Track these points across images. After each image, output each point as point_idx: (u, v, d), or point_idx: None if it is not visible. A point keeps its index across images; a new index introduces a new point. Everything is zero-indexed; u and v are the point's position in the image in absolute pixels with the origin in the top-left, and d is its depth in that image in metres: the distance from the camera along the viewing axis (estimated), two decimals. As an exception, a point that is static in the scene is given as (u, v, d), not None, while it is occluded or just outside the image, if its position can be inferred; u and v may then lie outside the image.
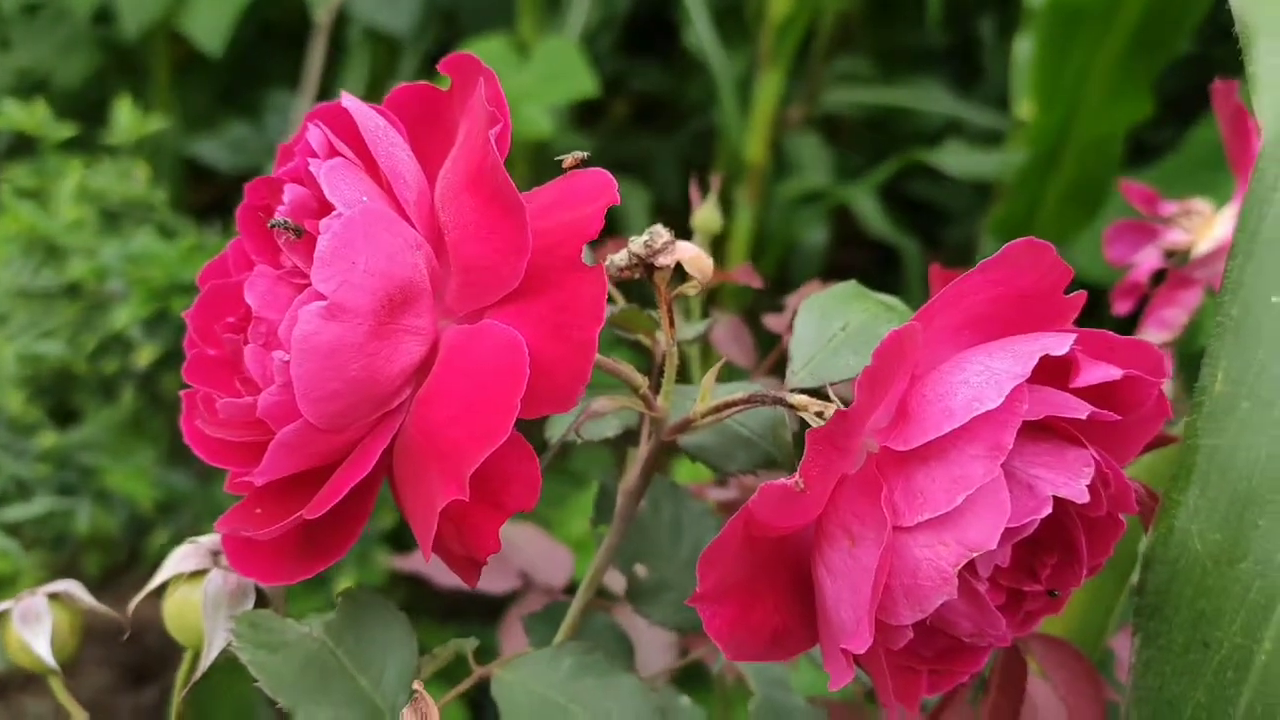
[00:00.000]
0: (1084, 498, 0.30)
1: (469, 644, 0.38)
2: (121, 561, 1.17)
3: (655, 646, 0.53)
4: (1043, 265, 0.31)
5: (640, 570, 0.46)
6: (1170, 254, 0.55)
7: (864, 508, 0.30)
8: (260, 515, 0.32)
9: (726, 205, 1.36)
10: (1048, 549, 0.34)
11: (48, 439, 1.04)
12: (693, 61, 1.42)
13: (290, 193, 0.31)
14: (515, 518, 0.59)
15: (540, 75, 1.32)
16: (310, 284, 0.29)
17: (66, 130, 1.06)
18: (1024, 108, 1.06)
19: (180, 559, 0.37)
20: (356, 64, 1.43)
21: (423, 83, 0.34)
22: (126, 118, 1.13)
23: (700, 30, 1.37)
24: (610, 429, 0.40)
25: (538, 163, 1.34)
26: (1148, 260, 0.55)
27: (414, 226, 0.31)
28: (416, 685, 0.30)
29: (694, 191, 0.56)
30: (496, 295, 0.31)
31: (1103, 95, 1.00)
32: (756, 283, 0.52)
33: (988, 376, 0.29)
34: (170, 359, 1.05)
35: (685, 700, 0.44)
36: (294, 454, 0.30)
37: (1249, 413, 0.37)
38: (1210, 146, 1.02)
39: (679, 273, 0.39)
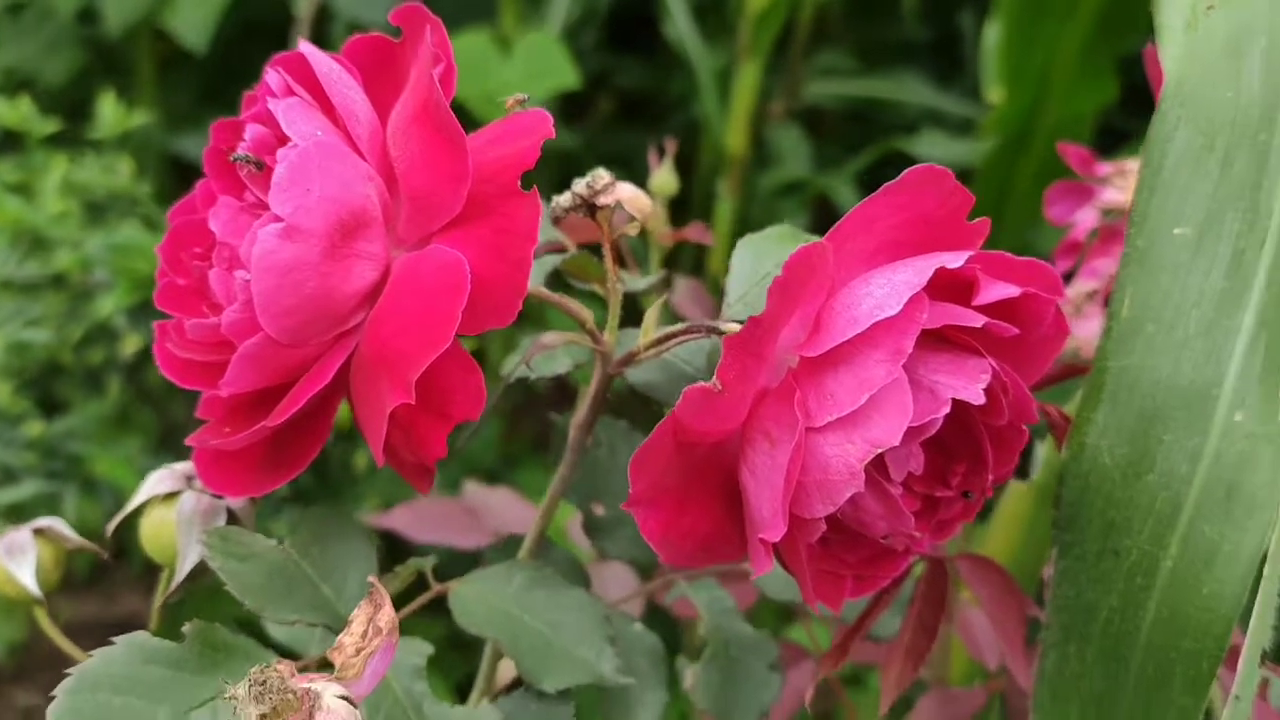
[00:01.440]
0: (980, 399, 0.33)
1: (427, 562, 0.41)
2: (109, 559, 1.20)
3: (615, 588, 0.56)
4: (943, 190, 0.34)
5: (597, 508, 0.49)
6: (1107, 212, 0.58)
7: (781, 412, 0.34)
8: (228, 432, 0.35)
9: (709, 197, 1.39)
10: (957, 457, 0.37)
11: (35, 428, 1.07)
12: (675, 56, 1.46)
13: (251, 131, 0.34)
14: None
15: (523, 70, 1.35)
16: (269, 211, 0.32)
17: (51, 125, 1.09)
18: (994, 92, 1.10)
19: (155, 483, 0.40)
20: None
21: (376, 34, 0.37)
22: (110, 112, 1.16)
23: (679, 23, 1.40)
24: (561, 365, 0.44)
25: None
26: (1085, 219, 0.58)
27: (366, 161, 0.34)
28: (372, 579, 0.33)
29: (652, 157, 0.59)
30: (442, 221, 0.34)
31: (1069, 79, 1.03)
32: (708, 240, 0.55)
33: (890, 289, 0.33)
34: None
35: (638, 626, 0.47)
36: (255, 367, 0.33)
37: (1153, 336, 0.40)
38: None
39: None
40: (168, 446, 1.11)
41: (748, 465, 0.35)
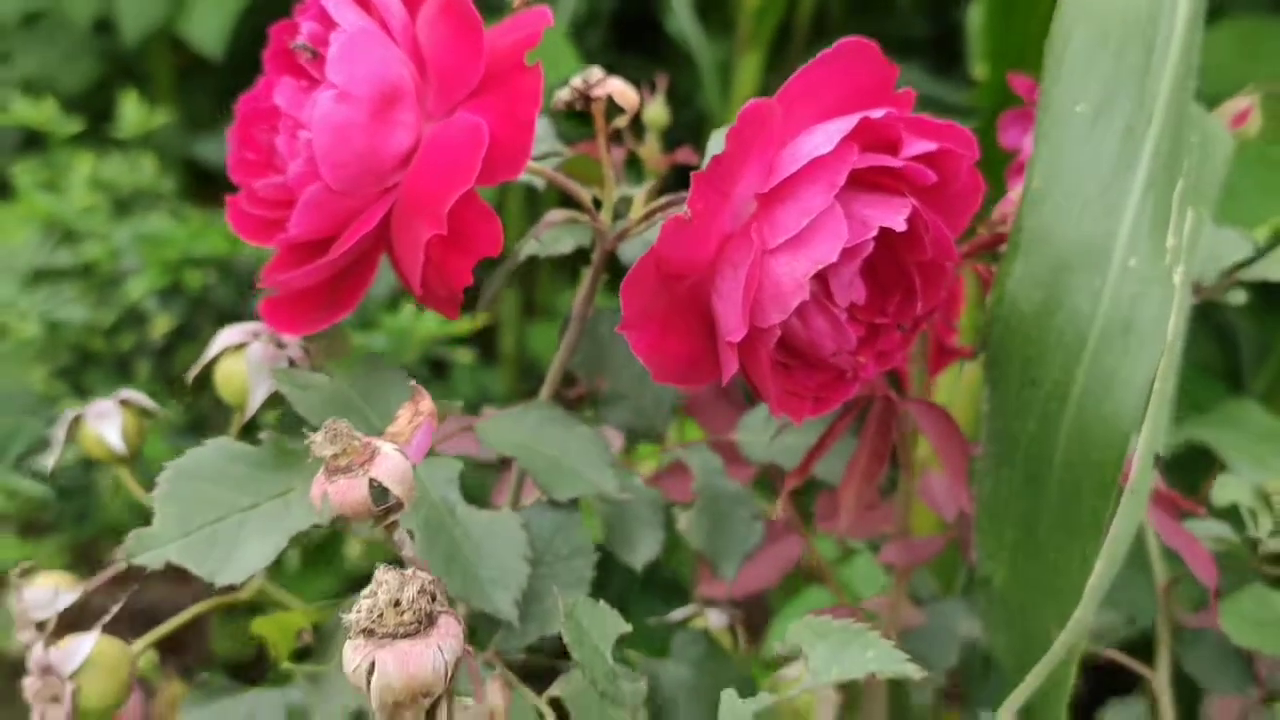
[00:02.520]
0: (902, 227, 0.43)
1: (454, 405, 0.51)
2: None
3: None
4: (872, 61, 0.44)
5: (601, 383, 0.59)
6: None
7: (741, 244, 0.44)
8: (286, 280, 0.45)
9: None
10: (891, 290, 0.47)
11: (73, 404, 1.17)
12: (678, 55, 1.56)
13: (306, 27, 0.45)
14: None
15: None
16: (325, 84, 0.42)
17: (75, 125, 1.19)
18: (979, 69, 1.20)
19: (226, 337, 0.50)
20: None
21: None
22: (133, 112, 1.26)
23: (681, 17, 1.51)
24: (565, 245, 0.54)
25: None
26: (1030, 144, 0.68)
27: (400, 48, 0.44)
28: (413, 383, 0.43)
29: (644, 92, 0.69)
30: (463, 94, 0.44)
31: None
32: (695, 160, 0.65)
33: (825, 135, 0.43)
34: (184, 333, 1.18)
35: (639, 479, 0.57)
36: (315, 211, 0.43)
37: (1059, 198, 0.50)
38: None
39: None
40: (197, 431, 1.21)
41: (717, 292, 0.45)
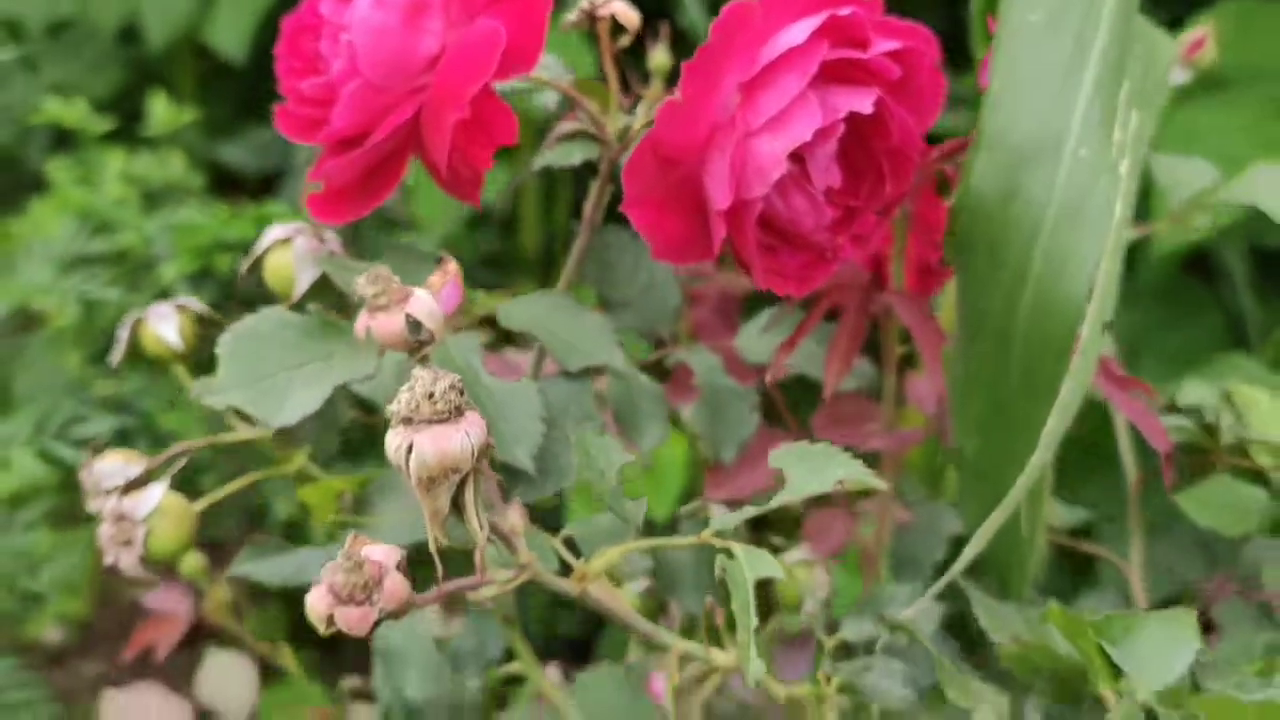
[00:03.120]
0: (869, 110, 0.51)
1: (479, 294, 0.59)
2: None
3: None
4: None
5: (611, 291, 0.67)
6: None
7: (728, 129, 0.52)
8: (328, 170, 0.53)
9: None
10: (862, 176, 0.55)
11: (105, 387, 1.25)
12: (693, 48, 1.65)
13: (347, -52, 0.53)
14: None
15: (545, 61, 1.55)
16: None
17: (106, 124, 1.27)
18: (979, 50, 1.28)
19: (273, 234, 0.58)
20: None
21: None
22: (161, 110, 1.35)
23: (692, 12, 1.60)
24: (575, 158, 0.62)
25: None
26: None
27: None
28: (442, 253, 0.51)
29: (649, 41, 0.78)
30: (482, 4, 0.52)
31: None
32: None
33: (799, 30, 0.51)
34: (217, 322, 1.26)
35: (645, 379, 0.65)
36: (356, 105, 0.51)
37: (1017, 98, 0.58)
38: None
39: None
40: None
41: (708, 174, 0.53)
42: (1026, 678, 0.54)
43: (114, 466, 0.57)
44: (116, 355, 0.61)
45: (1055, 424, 0.54)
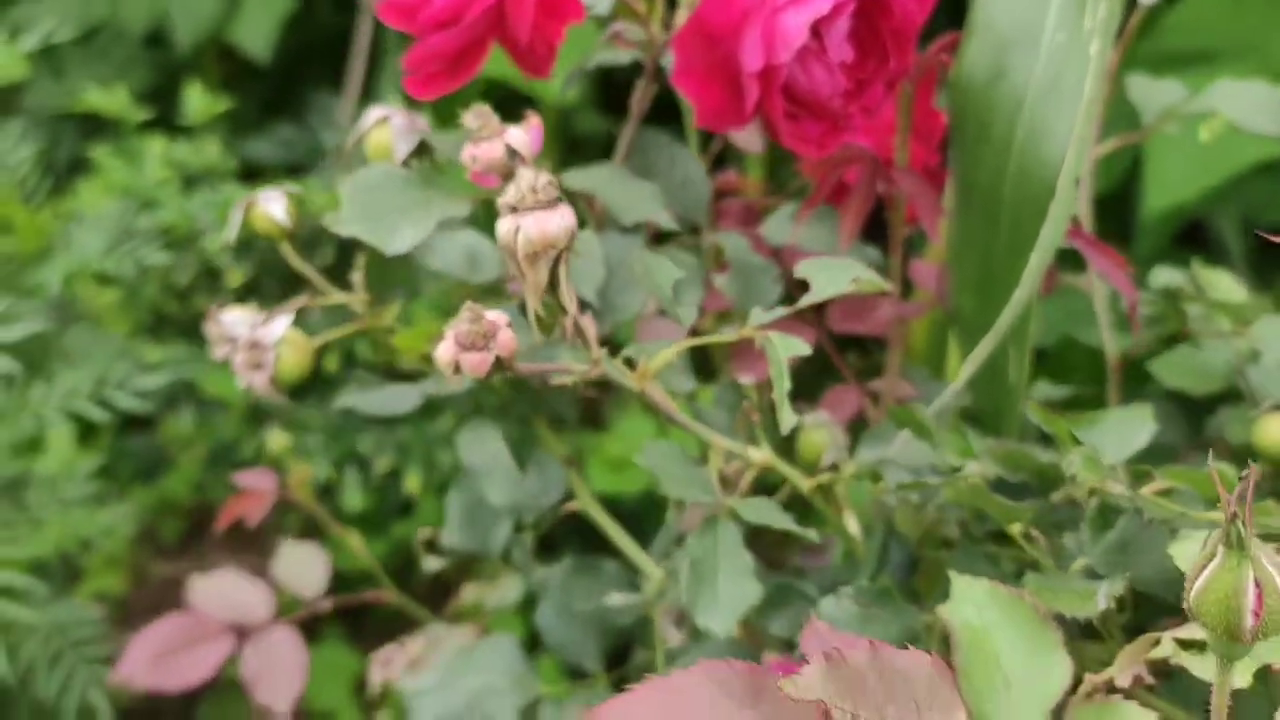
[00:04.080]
0: (876, -8, 0.65)
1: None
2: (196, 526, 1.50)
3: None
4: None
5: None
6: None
7: (758, 7, 0.66)
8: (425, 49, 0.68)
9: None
10: (869, 53, 0.69)
11: (153, 354, 1.38)
12: None
13: None
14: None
15: (562, 50, 1.70)
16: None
17: (145, 113, 1.41)
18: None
19: (373, 114, 0.72)
20: (394, 63, 1.82)
21: None
22: (197, 99, 1.49)
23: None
24: (624, 58, 0.76)
25: (561, 129, 1.71)
26: None
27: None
28: (527, 111, 0.65)
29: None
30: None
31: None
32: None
33: (817, -74, 0.65)
34: (253, 292, 1.40)
35: (688, 258, 0.78)
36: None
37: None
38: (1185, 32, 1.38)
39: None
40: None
41: (742, 49, 0.67)
42: (1010, 474, 0.67)
43: (237, 315, 0.71)
44: (231, 233, 0.75)
45: (1037, 261, 0.68)
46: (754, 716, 0.43)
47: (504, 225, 0.56)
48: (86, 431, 1.36)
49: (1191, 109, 0.86)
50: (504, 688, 0.72)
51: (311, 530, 1.23)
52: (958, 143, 0.74)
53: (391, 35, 1.82)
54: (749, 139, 0.87)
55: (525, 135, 0.60)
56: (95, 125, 1.69)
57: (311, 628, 1.29)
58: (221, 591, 0.94)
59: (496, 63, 0.67)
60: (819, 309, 0.87)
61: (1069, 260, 0.80)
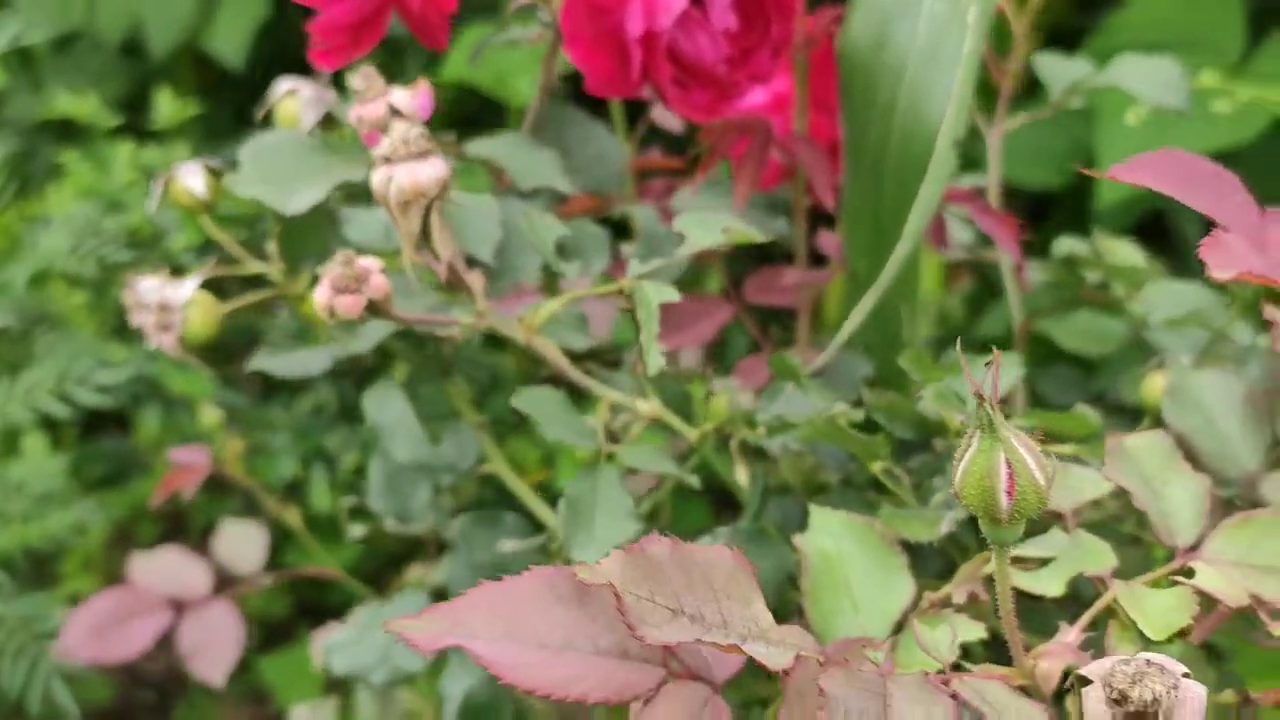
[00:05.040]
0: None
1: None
2: (169, 529, 1.53)
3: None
4: None
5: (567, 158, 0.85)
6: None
7: (642, -21, 0.70)
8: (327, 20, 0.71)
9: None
10: (753, 22, 0.72)
11: (119, 353, 1.42)
12: None
13: None
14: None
15: (528, 53, 1.74)
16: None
17: (115, 118, 1.45)
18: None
19: (283, 86, 0.76)
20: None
21: None
22: (167, 105, 1.53)
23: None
24: (530, 33, 0.80)
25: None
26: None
27: None
28: (419, 79, 0.69)
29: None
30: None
31: None
32: None
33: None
34: (216, 290, 1.43)
35: (593, 227, 0.82)
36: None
37: (885, -31, 0.76)
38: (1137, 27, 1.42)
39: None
40: (236, 384, 1.44)
41: (627, 19, 0.71)
42: (891, 423, 0.70)
43: (152, 283, 0.75)
44: (152, 205, 0.79)
45: (917, 217, 0.71)
46: (579, 615, 0.47)
47: (378, 176, 0.59)
48: (53, 429, 1.39)
49: (1096, 83, 0.89)
50: (413, 640, 0.75)
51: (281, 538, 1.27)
52: (847, 109, 0.77)
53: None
54: (670, 118, 0.91)
55: (410, 98, 0.64)
56: (72, 134, 1.72)
57: (283, 631, 1.33)
58: (160, 567, 0.98)
59: (455, 67, 0.71)
60: (737, 284, 0.91)
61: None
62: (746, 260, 0.90)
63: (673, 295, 0.63)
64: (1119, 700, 0.39)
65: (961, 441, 0.41)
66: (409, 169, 0.58)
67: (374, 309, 0.59)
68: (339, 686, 1.18)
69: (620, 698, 0.45)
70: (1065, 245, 0.88)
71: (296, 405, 1.44)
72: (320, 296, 0.58)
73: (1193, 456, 0.68)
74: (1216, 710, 0.53)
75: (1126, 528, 0.62)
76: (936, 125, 0.73)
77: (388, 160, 0.59)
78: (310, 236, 0.78)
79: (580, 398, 0.75)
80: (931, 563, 0.63)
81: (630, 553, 0.43)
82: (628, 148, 0.93)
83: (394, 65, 1.87)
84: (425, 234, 0.60)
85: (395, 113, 0.64)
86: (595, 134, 0.85)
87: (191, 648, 0.95)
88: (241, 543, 1.00)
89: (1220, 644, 0.62)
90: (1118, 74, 0.87)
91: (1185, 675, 0.40)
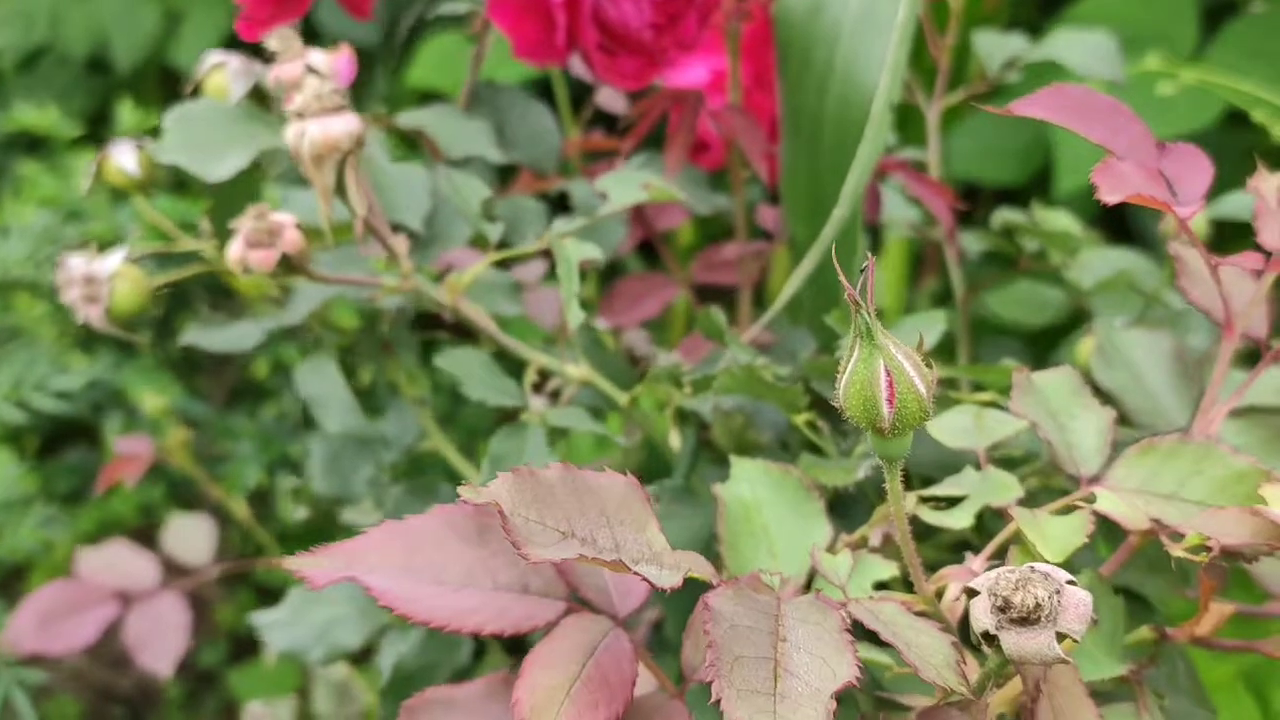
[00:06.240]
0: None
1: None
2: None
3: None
4: None
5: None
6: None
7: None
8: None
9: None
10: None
11: (79, 361, 1.41)
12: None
13: None
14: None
15: (493, 60, 1.75)
16: None
17: (76, 129, 1.45)
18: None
19: (211, 59, 0.76)
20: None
21: None
22: (129, 115, 1.54)
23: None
24: (461, 7, 0.80)
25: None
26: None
27: None
28: (341, 45, 0.69)
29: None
30: None
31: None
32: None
33: None
34: (179, 303, 1.43)
35: (531, 202, 0.82)
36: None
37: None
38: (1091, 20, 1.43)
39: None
40: (198, 394, 1.44)
41: (552, -11, 0.71)
42: (821, 383, 0.70)
43: (80, 259, 0.75)
44: (85, 183, 0.79)
45: (854, 180, 0.71)
46: (480, 552, 0.46)
47: (292, 131, 0.59)
48: (17, 440, 1.38)
49: (1033, 57, 0.89)
50: (350, 617, 0.75)
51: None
52: (784, 75, 0.77)
53: (325, 40, 1.86)
54: (615, 101, 0.91)
55: (328, 60, 0.64)
56: (39, 149, 1.73)
57: (252, 644, 1.32)
58: (108, 561, 0.97)
59: (421, 73, 0.71)
60: (685, 264, 0.91)
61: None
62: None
63: (595, 252, 0.63)
64: (1003, 607, 0.39)
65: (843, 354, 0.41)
66: (321, 123, 0.58)
67: (288, 265, 0.59)
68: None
69: (518, 629, 0.45)
70: (1003, 215, 0.88)
71: (261, 413, 1.44)
72: (233, 251, 0.58)
73: (1123, 414, 0.68)
74: (1135, 648, 0.53)
75: (1039, 465, 0.62)
76: (872, 90, 0.73)
77: (300, 115, 0.59)
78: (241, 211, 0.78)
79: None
80: (861, 514, 0.63)
81: (519, 475, 0.43)
82: (575, 130, 0.94)
83: (362, 74, 1.88)
84: (341, 189, 0.60)
85: (313, 72, 0.64)
86: (532, 111, 0.85)
87: (138, 639, 0.95)
88: (190, 535, 1.00)
89: (1148, 595, 0.62)
90: (1053, 48, 0.88)
91: (1070, 583, 0.40)
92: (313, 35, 1.78)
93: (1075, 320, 0.87)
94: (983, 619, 0.39)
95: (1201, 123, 1.29)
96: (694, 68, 0.85)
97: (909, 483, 0.64)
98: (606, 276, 1.07)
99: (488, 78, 1.10)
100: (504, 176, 0.90)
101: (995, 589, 0.39)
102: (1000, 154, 1.52)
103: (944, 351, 0.92)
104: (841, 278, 0.39)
